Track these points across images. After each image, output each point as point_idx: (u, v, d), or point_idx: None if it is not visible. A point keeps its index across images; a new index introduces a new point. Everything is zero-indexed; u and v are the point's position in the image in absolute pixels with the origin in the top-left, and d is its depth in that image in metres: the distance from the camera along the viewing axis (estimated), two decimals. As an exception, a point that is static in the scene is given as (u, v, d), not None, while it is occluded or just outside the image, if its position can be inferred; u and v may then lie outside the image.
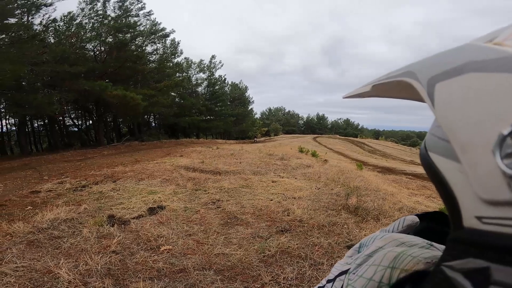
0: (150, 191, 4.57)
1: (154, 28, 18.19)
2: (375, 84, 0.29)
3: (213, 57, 30.16)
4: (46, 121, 17.75)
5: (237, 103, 36.71)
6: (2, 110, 16.37)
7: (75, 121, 21.23)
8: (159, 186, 4.91)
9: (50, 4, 12.02)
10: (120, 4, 16.84)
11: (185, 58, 27.91)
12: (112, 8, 16.68)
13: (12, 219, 3.17)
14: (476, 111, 0.18)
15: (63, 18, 15.14)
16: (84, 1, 15.74)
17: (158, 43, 19.19)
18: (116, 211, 3.50)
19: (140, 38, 17.11)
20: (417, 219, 0.39)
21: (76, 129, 21.11)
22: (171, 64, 21.74)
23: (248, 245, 2.63)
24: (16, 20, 10.91)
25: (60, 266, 2.14)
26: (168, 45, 21.09)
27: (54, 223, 3.00)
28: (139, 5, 17.34)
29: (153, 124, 27.49)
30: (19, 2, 10.83)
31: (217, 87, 30.95)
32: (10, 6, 10.12)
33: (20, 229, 2.84)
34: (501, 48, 0.19)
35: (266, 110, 72.25)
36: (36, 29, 12.44)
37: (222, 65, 30.78)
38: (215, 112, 30.22)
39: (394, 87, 0.28)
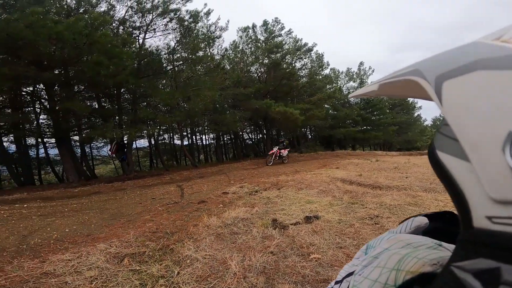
0: (308, 200, 4.85)
1: (297, 44, 19.53)
2: (382, 82, 0.29)
3: (361, 63, 28.39)
4: (232, 136, 22.90)
5: (398, 109, 32.30)
6: (206, 128, 22.63)
7: (250, 135, 26.07)
8: (316, 197, 5.12)
9: (219, 36, 15.33)
10: (264, 27, 19.39)
11: (331, 69, 27.78)
12: (260, 31, 19.50)
13: (210, 214, 4.26)
14: (485, 109, 0.18)
15: (230, 47, 19.16)
16: (240, 30, 19.26)
17: (304, 58, 20.37)
18: (278, 216, 3.97)
19: (288, 56, 18.80)
20: (426, 220, 0.36)
21: (250, 142, 25.89)
22: (320, 77, 22.45)
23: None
24: (203, 53, 14.37)
25: (232, 258, 2.59)
26: (314, 59, 21.99)
27: (235, 221, 3.77)
28: (279, 26, 19.36)
29: (310, 136, 29.01)
30: (201, 37, 14.24)
31: (371, 94, 28.66)
32: (196, 41, 13.51)
33: (214, 222, 3.71)
34: (509, 45, 0.19)
35: (441, 115, 58.64)
36: (217, 59, 15.96)
37: (373, 71, 28.48)
38: (372, 122, 27.90)
39: (401, 86, 0.27)
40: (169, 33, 13.34)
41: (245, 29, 19.36)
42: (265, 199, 5.17)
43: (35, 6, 8.41)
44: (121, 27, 12.16)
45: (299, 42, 19.77)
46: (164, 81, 14.50)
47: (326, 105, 23.55)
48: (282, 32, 19.64)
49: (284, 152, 13.77)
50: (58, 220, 4.31)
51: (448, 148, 0.22)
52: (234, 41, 19.51)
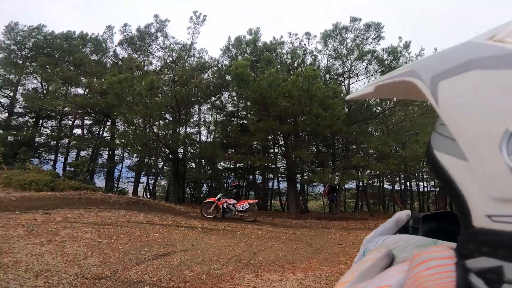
0: None
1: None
2: (378, 84, 0.29)
3: None
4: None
5: None
6: (425, 174, 19.61)
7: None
8: None
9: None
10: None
11: None
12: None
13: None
14: (481, 108, 0.18)
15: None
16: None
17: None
18: None
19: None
20: (407, 212, 0.37)
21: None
22: None
23: None
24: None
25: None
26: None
27: None
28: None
29: None
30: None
31: None
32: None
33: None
34: (502, 45, 0.19)
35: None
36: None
37: None
38: None
39: (397, 87, 0.28)
40: (371, 76, 13.60)
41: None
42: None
43: (268, 67, 11.34)
44: (327, 75, 13.85)
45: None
46: (375, 125, 14.52)
47: None
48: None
49: (239, 205, 8.88)
50: (277, 245, 5.69)
51: (445, 147, 0.22)
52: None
